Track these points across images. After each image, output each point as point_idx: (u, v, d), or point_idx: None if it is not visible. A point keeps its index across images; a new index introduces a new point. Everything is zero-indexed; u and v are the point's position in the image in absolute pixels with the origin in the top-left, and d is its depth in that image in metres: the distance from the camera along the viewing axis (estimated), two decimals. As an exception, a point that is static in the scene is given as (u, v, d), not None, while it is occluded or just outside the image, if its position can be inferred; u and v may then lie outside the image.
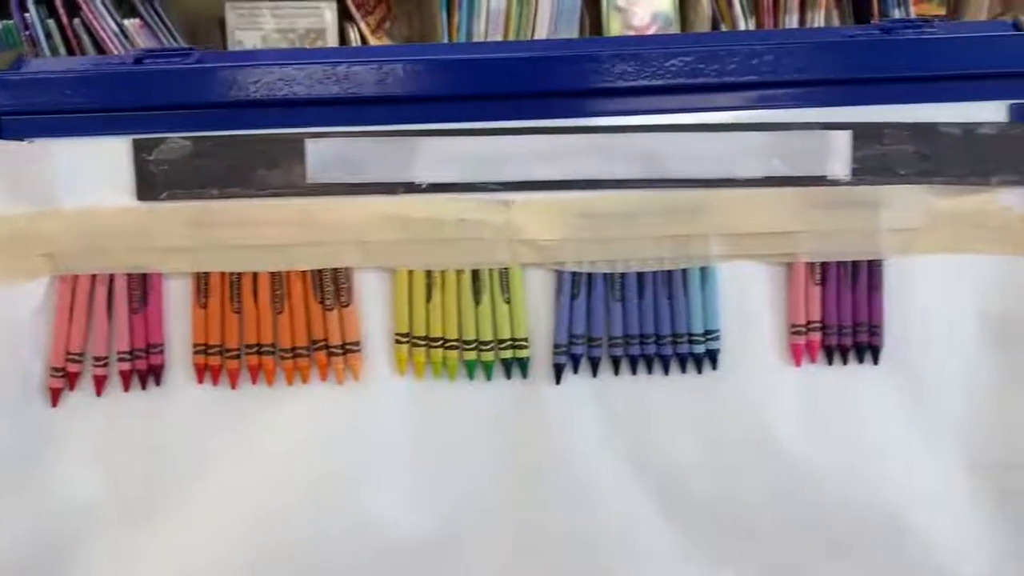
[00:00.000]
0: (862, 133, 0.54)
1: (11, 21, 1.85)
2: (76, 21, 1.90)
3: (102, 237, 0.54)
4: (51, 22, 1.88)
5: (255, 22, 1.92)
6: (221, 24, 1.94)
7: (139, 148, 0.53)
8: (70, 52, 1.92)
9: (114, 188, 0.54)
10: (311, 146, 0.53)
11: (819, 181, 0.54)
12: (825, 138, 0.54)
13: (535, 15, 1.81)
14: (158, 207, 0.54)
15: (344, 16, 1.83)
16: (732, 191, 0.54)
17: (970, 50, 0.54)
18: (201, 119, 0.54)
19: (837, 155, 0.54)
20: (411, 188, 0.54)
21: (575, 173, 0.54)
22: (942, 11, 1.79)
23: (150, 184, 0.54)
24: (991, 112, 0.54)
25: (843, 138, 0.54)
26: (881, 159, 0.54)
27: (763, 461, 0.56)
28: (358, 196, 0.54)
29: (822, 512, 0.56)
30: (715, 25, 1.65)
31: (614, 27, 1.81)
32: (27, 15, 1.84)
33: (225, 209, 0.54)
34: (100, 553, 0.56)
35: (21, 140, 0.53)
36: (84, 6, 1.85)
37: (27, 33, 1.86)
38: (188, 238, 0.54)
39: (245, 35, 1.86)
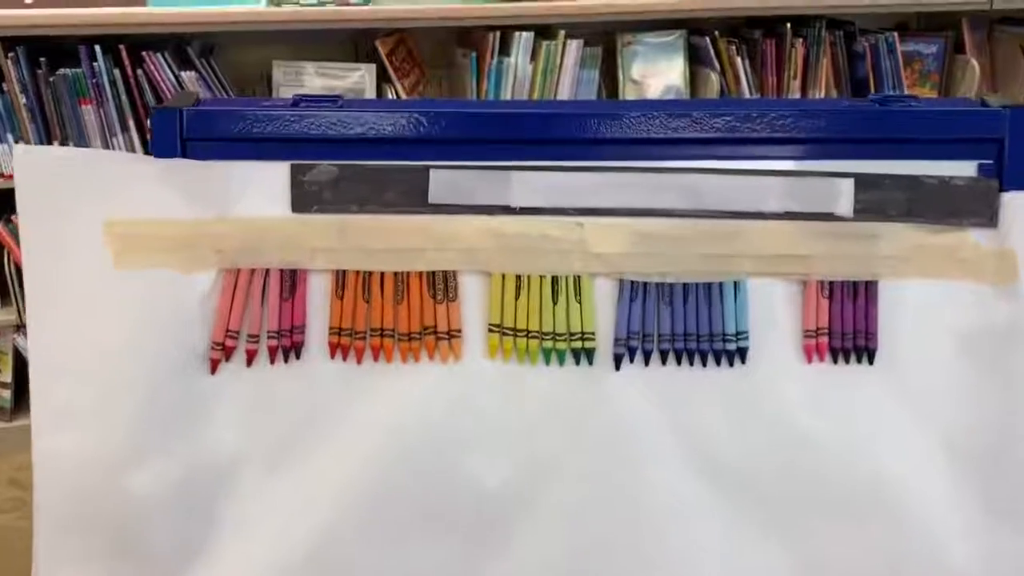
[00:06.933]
0: (862, 181, 0.69)
1: (80, 70, 2.01)
2: (139, 72, 2.06)
3: (263, 240, 0.68)
4: (116, 72, 2.04)
5: (299, 80, 2.08)
6: (268, 80, 2.10)
7: (296, 171, 0.68)
8: (131, 100, 2.08)
9: (274, 201, 0.68)
10: (434, 175, 0.68)
11: (828, 217, 0.69)
12: (833, 184, 0.69)
13: (557, 85, 1.97)
14: (309, 218, 0.68)
15: (381, 78, 1.99)
16: (759, 222, 0.69)
17: (945, 121, 0.70)
18: (344, 150, 0.68)
19: (843, 197, 0.69)
20: (507, 210, 0.69)
21: (634, 203, 0.69)
22: (934, 95, 1.96)
23: (303, 200, 0.68)
24: (963, 169, 0.70)
25: (848, 184, 0.69)
26: (877, 202, 0.69)
27: (778, 437, 0.70)
28: (466, 215, 0.68)
29: (823, 480, 0.70)
30: (722, 99, 1.81)
31: (629, 98, 1.96)
32: (95, 64, 2.00)
33: (362, 221, 0.68)
34: (243, 496, 0.69)
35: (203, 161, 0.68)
36: (147, 59, 2.02)
37: (94, 81, 2.02)
38: (332, 243, 0.68)
39: (289, 91, 2.01)
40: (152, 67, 2.04)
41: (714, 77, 1.89)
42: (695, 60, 1.95)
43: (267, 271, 0.69)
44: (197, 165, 0.68)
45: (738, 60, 1.90)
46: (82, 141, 2.03)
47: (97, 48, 1.94)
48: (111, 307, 0.67)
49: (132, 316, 0.67)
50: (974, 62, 1.94)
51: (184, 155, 0.68)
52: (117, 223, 0.67)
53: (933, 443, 0.71)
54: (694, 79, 1.96)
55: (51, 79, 2.02)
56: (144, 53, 1.97)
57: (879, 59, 1.94)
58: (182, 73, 2.05)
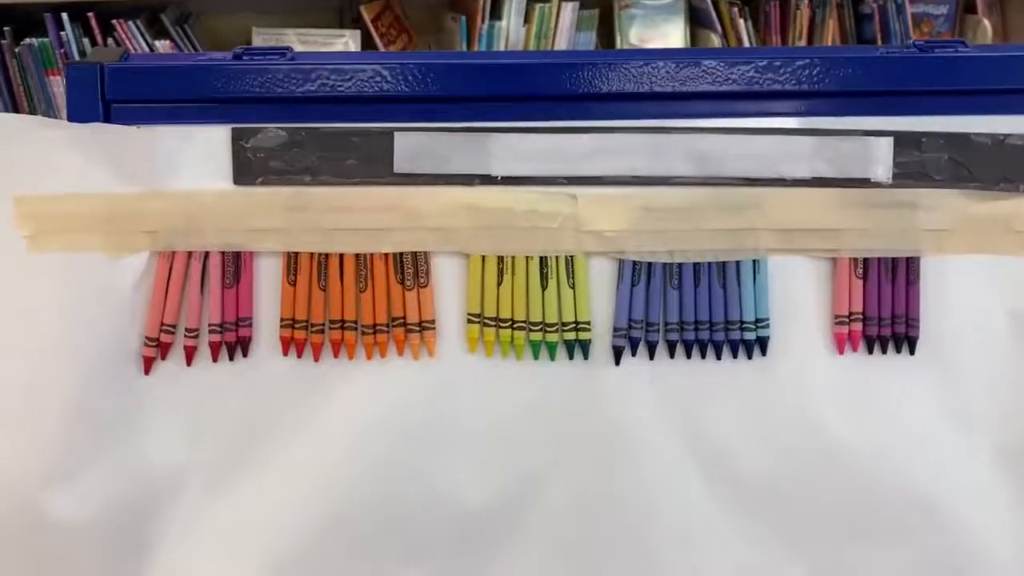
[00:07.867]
0: (902, 140, 0.59)
1: (47, 39, 1.92)
2: (110, 41, 1.97)
3: (200, 217, 0.58)
4: (86, 41, 1.95)
5: (280, 48, 1.98)
6: (247, 48, 2.00)
7: (237, 136, 0.58)
8: (102, 71, 1.98)
9: (213, 172, 0.59)
10: (399, 139, 0.58)
11: (862, 183, 0.59)
12: (868, 144, 0.59)
13: (552, 49, 1.89)
14: (253, 191, 0.59)
15: (367, 44, 1.90)
16: (782, 190, 0.59)
17: (1000, 68, 0.60)
18: (295, 111, 0.59)
19: (879, 160, 0.59)
20: (487, 180, 0.59)
21: (637, 170, 0.60)
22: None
23: (246, 170, 0.58)
24: (1020, 125, 0.60)
25: (886, 144, 0.59)
26: (919, 165, 0.60)
27: (805, 442, 0.60)
28: (439, 186, 0.59)
29: (858, 492, 0.61)
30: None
31: (628, 62, 1.89)
32: (63, 34, 1.91)
33: (316, 194, 0.59)
34: (182, 513, 0.60)
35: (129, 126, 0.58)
36: (118, 27, 1.92)
37: (61, 51, 1.93)
38: (281, 220, 0.58)
39: (270, 60, 1.92)
40: (124, 36, 1.95)
41: (716, 40, 1.82)
42: (695, 22, 1.89)
43: (206, 254, 0.59)
44: (121, 131, 0.58)
45: (740, 22, 1.83)
46: (52, 114, 1.95)
47: (64, 16, 1.86)
48: (24, 298, 0.58)
49: (50, 308, 0.58)
50: (986, 22, 1.87)
51: (107, 119, 0.59)
52: (29, 199, 0.58)
53: (983, 442, 0.62)
54: (695, 43, 1.90)
55: (16, 49, 1.94)
56: (115, 21, 1.90)
57: (888, 20, 1.89)
58: (156, 42, 1.97)
